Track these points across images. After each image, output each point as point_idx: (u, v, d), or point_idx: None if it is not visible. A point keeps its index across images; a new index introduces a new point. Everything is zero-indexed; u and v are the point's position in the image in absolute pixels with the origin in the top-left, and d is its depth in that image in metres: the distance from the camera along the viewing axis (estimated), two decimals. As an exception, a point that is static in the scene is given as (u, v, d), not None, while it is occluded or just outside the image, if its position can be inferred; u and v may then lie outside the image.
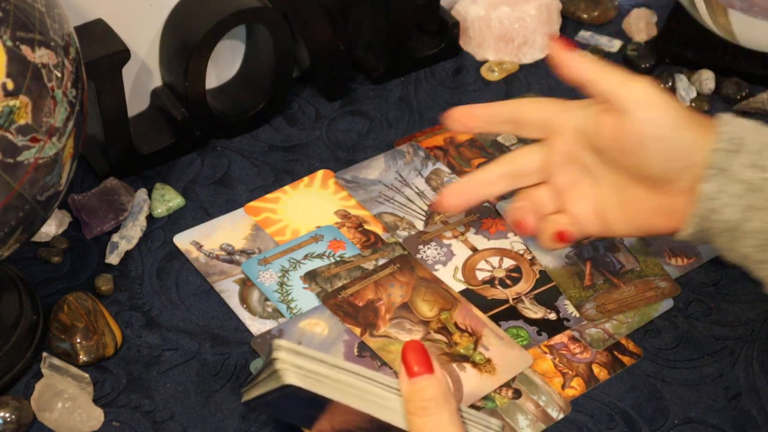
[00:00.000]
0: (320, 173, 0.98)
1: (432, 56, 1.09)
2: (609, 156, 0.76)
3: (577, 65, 0.76)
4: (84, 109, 0.74)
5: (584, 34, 1.13)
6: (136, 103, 1.00)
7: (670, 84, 1.06)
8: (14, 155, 0.67)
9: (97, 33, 0.89)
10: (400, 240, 0.91)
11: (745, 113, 1.04)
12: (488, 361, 0.82)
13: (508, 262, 0.90)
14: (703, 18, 1.04)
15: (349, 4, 1.03)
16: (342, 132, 1.02)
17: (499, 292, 0.88)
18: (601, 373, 0.83)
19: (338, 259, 0.89)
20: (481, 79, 1.08)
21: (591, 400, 0.81)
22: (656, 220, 0.76)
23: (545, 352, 0.84)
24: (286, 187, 0.96)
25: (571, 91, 0.82)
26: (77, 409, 0.77)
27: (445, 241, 0.92)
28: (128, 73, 0.93)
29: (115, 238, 0.90)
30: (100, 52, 0.88)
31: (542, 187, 0.81)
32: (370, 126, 1.03)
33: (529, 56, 1.09)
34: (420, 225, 0.93)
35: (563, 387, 0.81)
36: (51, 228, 0.91)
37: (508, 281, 0.89)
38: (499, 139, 1.01)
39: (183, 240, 0.91)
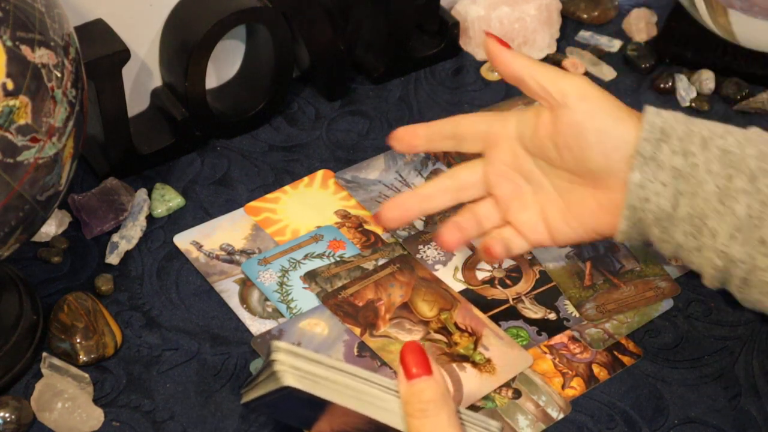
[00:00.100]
0: (320, 173, 0.98)
1: (432, 56, 1.09)
2: (548, 156, 0.76)
3: (512, 62, 0.77)
4: (84, 109, 0.74)
5: (584, 34, 1.13)
6: (136, 103, 1.00)
7: (670, 84, 1.06)
8: (14, 155, 0.67)
9: (97, 33, 0.89)
10: (400, 240, 0.91)
11: (745, 113, 1.04)
12: (488, 361, 0.82)
13: (508, 262, 0.90)
14: (703, 18, 1.04)
15: (349, 4, 1.03)
16: (342, 132, 1.02)
17: (499, 292, 0.88)
18: (601, 373, 0.83)
19: (338, 259, 0.90)
20: (481, 79, 1.08)
21: (591, 400, 0.81)
22: (599, 219, 0.75)
23: (545, 352, 0.84)
24: (286, 187, 0.96)
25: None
26: (77, 409, 0.77)
27: (445, 241, 0.92)
28: (128, 73, 0.93)
29: (115, 238, 0.90)
30: (100, 52, 0.88)
31: (486, 201, 0.81)
32: (370, 126, 1.03)
33: (534, 55, 1.09)
34: (420, 225, 0.93)
35: (563, 387, 0.81)
36: (51, 228, 0.91)
37: (508, 281, 0.89)
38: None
39: (183, 240, 0.91)
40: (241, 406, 0.79)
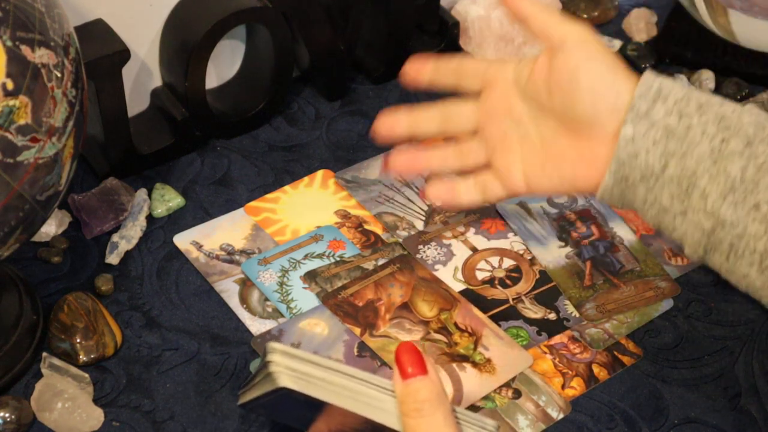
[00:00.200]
0: (320, 173, 0.98)
1: (432, 56, 1.09)
2: (539, 101, 0.75)
3: (519, 2, 0.77)
4: (84, 109, 0.74)
5: (584, 34, 1.13)
6: (136, 103, 1.00)
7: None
8: (14, 155, 0.67)
9: (97, 33, 0.89)
10: (400, 240, 0.91)
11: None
12: (488, 361, 0.82)
13: (508, 262, 0.90)
14: (703, 18, 1.04)
15: (349, 4, 1.03)
16: (342, 132, 1.02)
17: (499, 292, 0.88)
18: (601, 373, 0.83)
19: (338, 259, 0.90)
20: (481, 79, 1.08)
21: (591, 400, 0.81)
22: (578, 171, 0.74)
23: (545, 352, 0.84)
24: (286, 187, 0.96)
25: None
26: (77, 409, 0.77)
27: (445, 241, 0.92)
28: (128, 73, 0.93)
29: (115, 238, 0.90)
30: (100, 52, 0.88)
31: (473, 138, 0.80)
32: (370, 126, 1.03)
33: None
34: (420, 225, 0.93)
35: (563, 387, 0.81)
36: (51, 228, 0.91)
37: (508, 281, 0.89)
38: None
39: (183, 240, 0.91)
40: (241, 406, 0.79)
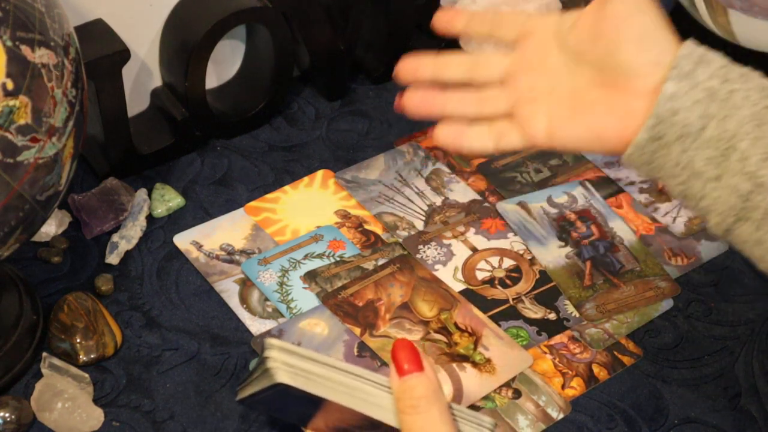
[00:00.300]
0: (320, 173, 0.98)
1: (432, 56, 1.09)
2: (579, 48, 0.74)
3: None
4: (84, 109, 0.74)
5: (584, 34, 1.12)
6: (136, 103, 1.00)
7: (670, 84, 1.06)
8: (14, 155, 0.67)
9: (97, 33, 0.89)
10: (400, 240, 0.91)
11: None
12: (488, 361, 0.82)
13: (508, 262, 0.90)
14: (703, 18, 1.04)
15: (349, 4, 1.03)
16: (342, 132, 1.02)
17: (499, 292, 0.88)
18: (601, 373, 0.83)
19: (338, 259, 0.90)
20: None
21: (591, 400, 0.81)
22: (608, 124, 0.72)
23: (545, 352, 0.84)
24: (286, 187, 0.96)
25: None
26: (77, 409, 0.77)
27: (445, 241, 0.92)
28: (128, 73, 0.93)
29: (115, 238, 0.90)
30: (100, 52, 0.88)
31: (497, 85, 0.78)
32: (370, 126, 1.03)
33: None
34: (420, 225, 0.93)
35: (563, 387, 0.81)
36: (51, 228, 0.91)
37: (508, 281, 0.89)
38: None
39: (183, 240, 0.91)
40: (241, 406, 0.79)
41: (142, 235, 0.91)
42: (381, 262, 0.89)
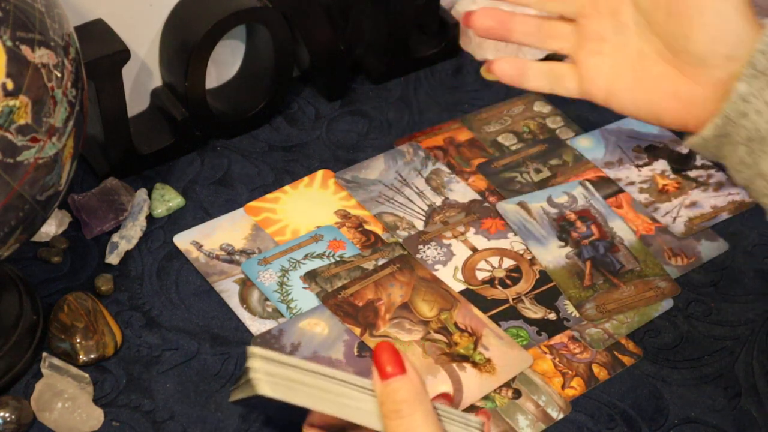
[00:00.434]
0: (320, 173, 0.98)
1: (432, 56, 1.09)
2: (654, 19, 0.70)
3: None
4: (84, 109, 0.74)
5: (584, 34, 1.12)
6: (136, 103, 1.00)
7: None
8: (14, 155, 0.67)
9: (97, 33, 0.89)
10: (400, 240, 0.91)
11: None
12: (488, 361, 0.82)
13: (508, 262, 0.90)
14: (703, 18, 1.03)
15: (349, 4, 1.03)
16: (342, 132, 1.02)
17: (499, 292, 0.88)
18: (601, 373, 0.83)
19: (338, 259, 0.89)
20: (480, 79, 1.08)
21: (591, 400, 0.81)
22: (669, 105, 0.70)
23: (545, 352, 0.84)
24: (286, 187, 0.96)
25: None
26: (77, 409, 0.77)
27: (445, 241, 0.92)
28: (128, 73, 0.93)
29: (115, 238, 0.90)
30: (100, 52, 0.88)
31: (567, 23, 0.75)
32: (370, 126, 1.03)
33: (530, 56, 1.09)
34: (420, 225, 0.93)
35: (563, 387, 0.81)
36: (51, 228, 0.91)
37: (508, 281, 0.89)
38: (499, 138, 1.01)
39: (183, 240, 0.91)
40: (241, 406, 0.79)
41: (142, 235, 0.91)
42: (381, 262, 0.89)
